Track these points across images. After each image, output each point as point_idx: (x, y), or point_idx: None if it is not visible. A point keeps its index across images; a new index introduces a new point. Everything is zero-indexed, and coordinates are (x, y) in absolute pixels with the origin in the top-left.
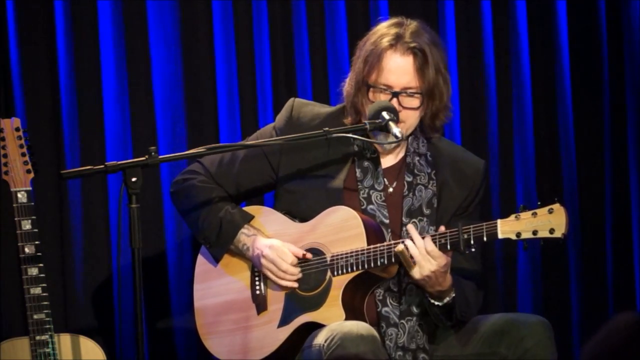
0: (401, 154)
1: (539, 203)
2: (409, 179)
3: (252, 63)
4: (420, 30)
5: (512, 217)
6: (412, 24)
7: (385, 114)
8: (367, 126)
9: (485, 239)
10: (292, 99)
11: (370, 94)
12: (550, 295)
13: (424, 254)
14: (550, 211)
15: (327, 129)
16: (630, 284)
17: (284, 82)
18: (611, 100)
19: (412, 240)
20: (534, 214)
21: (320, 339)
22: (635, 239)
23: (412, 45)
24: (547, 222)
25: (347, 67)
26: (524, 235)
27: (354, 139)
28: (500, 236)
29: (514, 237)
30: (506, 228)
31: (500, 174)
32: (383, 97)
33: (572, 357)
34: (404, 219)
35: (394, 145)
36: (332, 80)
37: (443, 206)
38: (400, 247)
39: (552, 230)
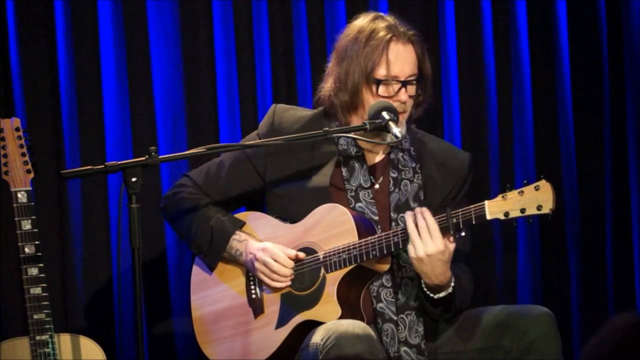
0: (385, 151)
1: (525, 181)
2: (394, 175)
3: (252, 63)
4: (401, 21)
5: (499, 197)
6: (390, 16)
7: (385, 114)
8: (367, 126)
9: (474, 221)
10: (273, 105)
11: (381, 89)
12: (550, 295)
13: (424, 232)
14: (537, 188)
15: (327, 129)
16: (630, 283)
17: (284, 82)
18: (611, 100)
19: (421, 215)
20: (521, 193)
21: (317, 338)
22: (636, 238)
23: (410, 33)
24: (534, 199)
25: None
26: (512, 214)
27: (339, 138)
28: (488, 217)
29: (502, 217)
30: (494, 209)
31: (500, 173)
32: (393, 89)
33: (573, 356)
34: (392, 214)
35: (395, 142)
36: None
37: (429, 199)
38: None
39: (539, 207)
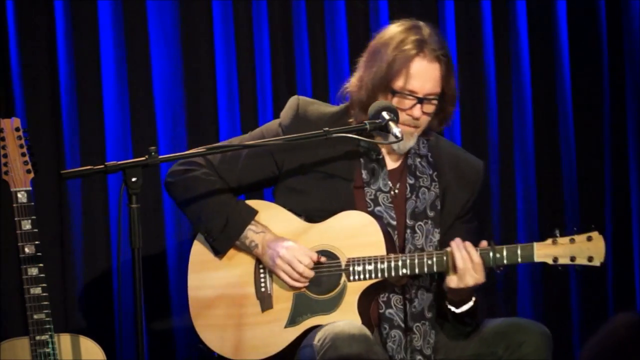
0: (403, 156)
1: (575, 229)
2: (412, 181)
3: (252, 63)
4: (437, 35)
5: (549, 241)
6: (426, 28)
7: (385, 114)
8: (367, 126)
9: (519, 260)
10: (295, 97)
11: (395, 100)
12: (550, 296)
13: (469, 267)
14: (589, 239)
15: (327, 129)
16: (630, 283)
17: (284, 82)
18: (611, 100)
19: (465, 249)
20: (572, 240)
21: (314, 339)
22: (635, 238)
23: (439, 52)
24: (586, 249)
25: (347, 67)
26: (561, 261)
27: (360, 140)
28: (536, 259)
29: (550, 261)
30: (542, 251)
31: (500, 174)
32: (407, 103)
33: (573, 358)
34: (408, 221)
35: (405, 145)
36: (332, 80)
37: (447, 208)
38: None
39: (590, 259)
